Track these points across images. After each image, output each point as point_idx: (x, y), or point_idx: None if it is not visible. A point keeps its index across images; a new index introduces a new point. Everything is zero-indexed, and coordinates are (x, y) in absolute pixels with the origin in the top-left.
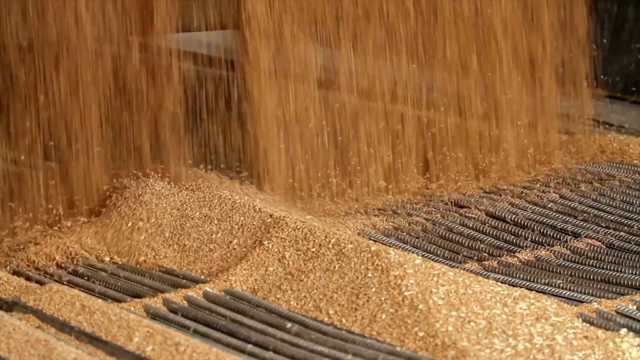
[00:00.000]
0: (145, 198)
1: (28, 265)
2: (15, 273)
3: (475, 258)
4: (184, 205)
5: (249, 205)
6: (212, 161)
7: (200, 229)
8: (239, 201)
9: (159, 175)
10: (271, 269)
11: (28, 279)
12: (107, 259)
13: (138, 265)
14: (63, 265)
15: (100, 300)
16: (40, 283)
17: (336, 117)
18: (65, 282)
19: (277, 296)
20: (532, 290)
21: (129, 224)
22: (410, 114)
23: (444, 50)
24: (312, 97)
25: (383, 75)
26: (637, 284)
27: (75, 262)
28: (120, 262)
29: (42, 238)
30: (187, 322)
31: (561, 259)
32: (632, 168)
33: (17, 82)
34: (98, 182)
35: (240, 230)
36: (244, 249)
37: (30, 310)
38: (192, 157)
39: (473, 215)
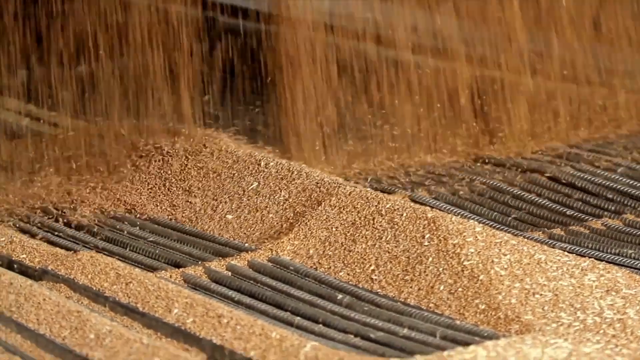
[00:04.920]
0: (182, 160)
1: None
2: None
3: (541, 226)
4: (225, 169)
5: (297, 170)
6: (238, 124)
7: (243, 194)
8: (286, 166)
9: (183, 136)
10: (321, 236)
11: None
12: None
13: (172, 230)
14: (95, 224)
15: (137, 269)
16: (69, 249)
17: (376, 73)
18: (98, 247)
19: (327, 266)
20: (601, 260)
21: (167, 186)
22: (463, 70)
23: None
24: (350, 52)
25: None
26: None
27: (109, 222)
28: (155, 225)
29: (78, 195)
30: (231, 292)
31: (632, 228)
32: None
33: None
34: (126, 142)
35: (288, 195)
36: (292, 216)
37: (61, 280)
38: (221, 120)
39: (538, 180)
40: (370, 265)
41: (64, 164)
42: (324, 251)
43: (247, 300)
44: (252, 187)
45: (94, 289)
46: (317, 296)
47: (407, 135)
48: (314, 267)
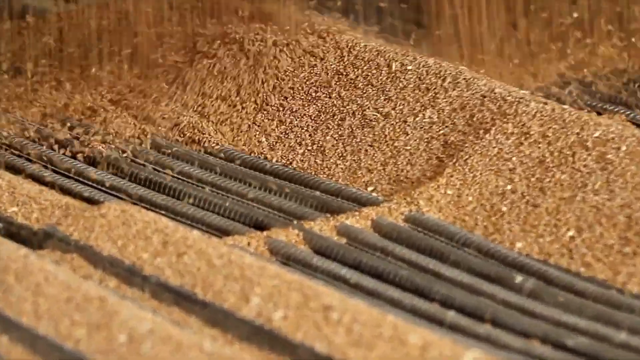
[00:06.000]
0: (270, 61)
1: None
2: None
3: None
4: (338, 75)
5: (452, 76)
6: (361, 9)
7: (364, 116)
8: (433, 69)
9: (273, 23)
10: (489, 182)
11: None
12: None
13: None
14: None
15: (195, 232)
16: (88, 199)
17: None
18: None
19: (496, 228)
20: None
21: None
22: None
23: None
24: None
25: None
26: None
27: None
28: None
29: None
30: (344, 270)
31: None
32: None
33: None
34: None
35: (437, 117)
36: (443, 150)
37: (74, 247)
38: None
39: None
40: (568, 230)
41: (82, 62)
42: (491, 205)
43: (370, 283)
44: (376, 104)
45: (126, 262)
46: (481, 278)
47: (621, 23)
48: (476, 230)
